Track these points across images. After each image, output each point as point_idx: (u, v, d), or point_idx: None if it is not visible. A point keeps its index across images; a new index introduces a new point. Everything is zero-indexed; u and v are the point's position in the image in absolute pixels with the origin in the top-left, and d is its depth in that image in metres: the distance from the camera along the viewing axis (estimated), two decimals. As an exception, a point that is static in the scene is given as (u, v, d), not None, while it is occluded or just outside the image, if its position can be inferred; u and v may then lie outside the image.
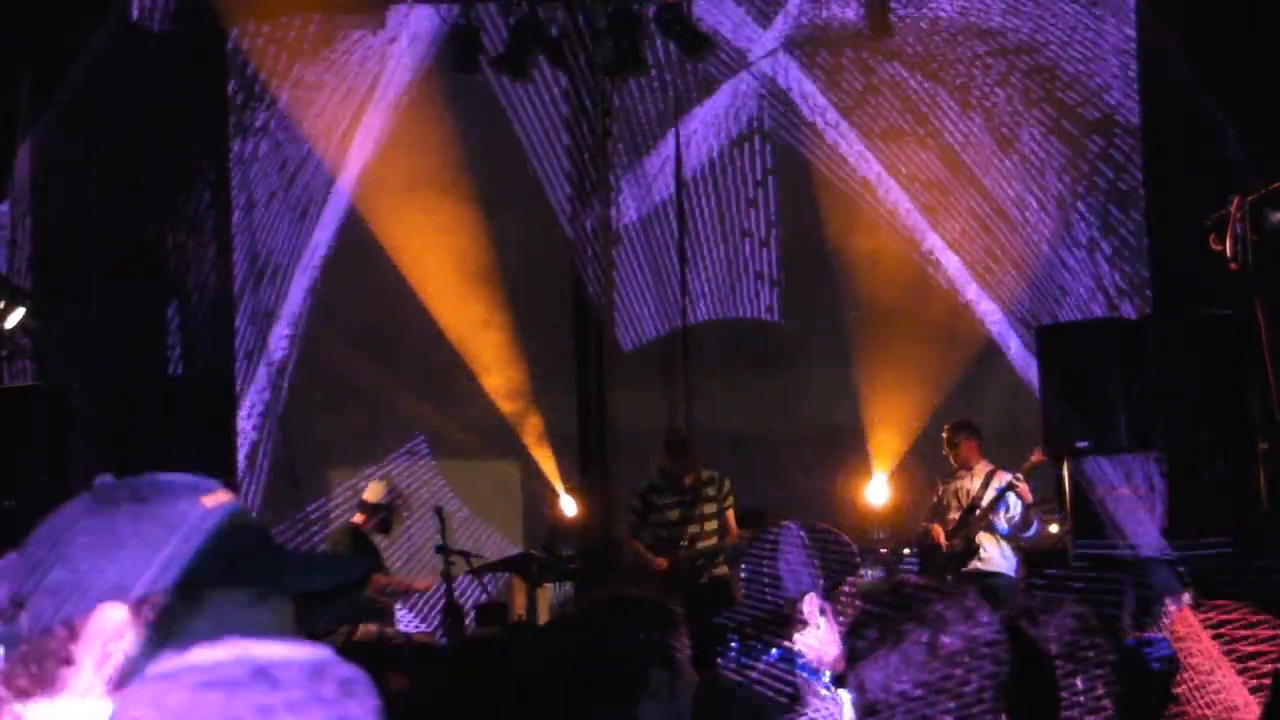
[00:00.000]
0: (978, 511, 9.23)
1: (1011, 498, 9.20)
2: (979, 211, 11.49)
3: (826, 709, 2.82)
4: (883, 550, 10.37)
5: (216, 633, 1.30)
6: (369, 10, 11.64)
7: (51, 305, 10.08)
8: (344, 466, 11.74)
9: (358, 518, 9.55)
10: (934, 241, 11.58)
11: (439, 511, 9.81)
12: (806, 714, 2.82)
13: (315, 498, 11.75)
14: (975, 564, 9.18)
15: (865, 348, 11.56)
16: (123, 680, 1.33)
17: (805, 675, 3.08)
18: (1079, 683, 2.53)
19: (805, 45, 11.71)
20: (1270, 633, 3.01)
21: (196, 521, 1.41)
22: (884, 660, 2.18)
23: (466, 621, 9.91)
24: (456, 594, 9.59)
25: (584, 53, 11.53)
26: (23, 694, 1.35)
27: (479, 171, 11.84)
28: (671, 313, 11.89)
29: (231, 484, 11.08)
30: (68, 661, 1.35)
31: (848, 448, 11.46)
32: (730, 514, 9.31)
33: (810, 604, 3.27)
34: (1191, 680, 3.01)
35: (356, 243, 11.81)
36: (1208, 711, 2.96)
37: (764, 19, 11.76)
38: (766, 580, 3.42)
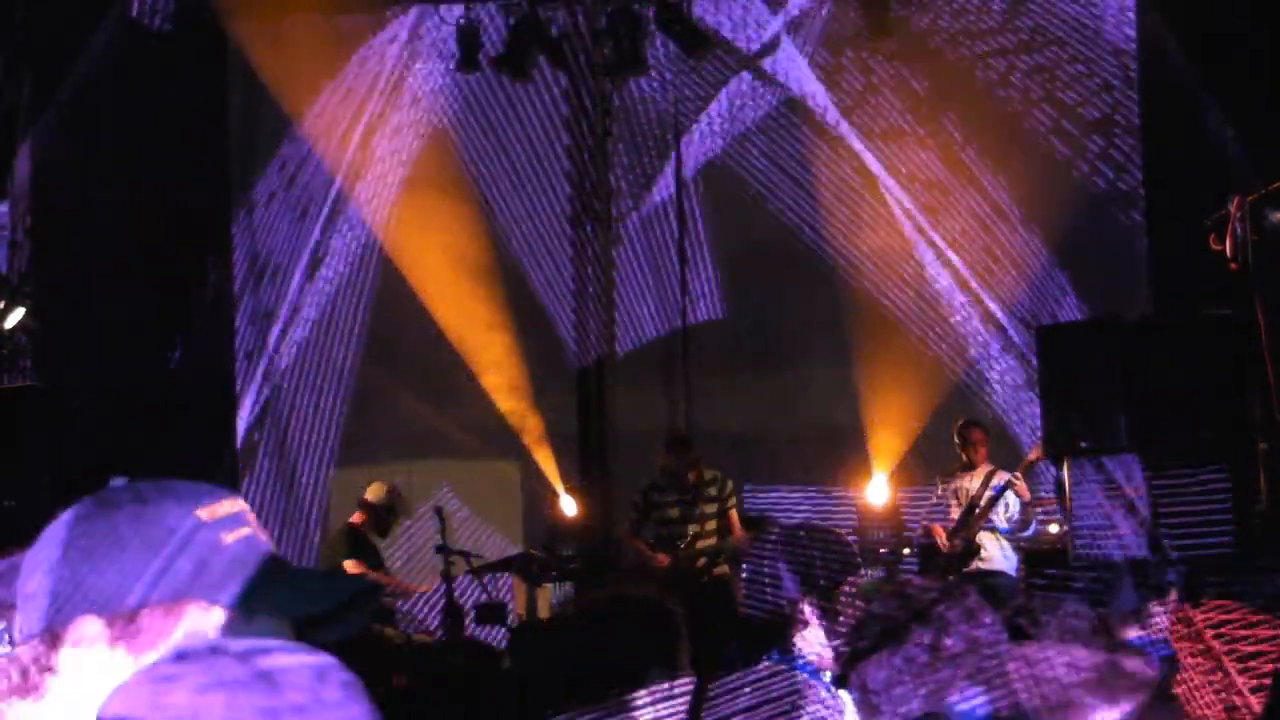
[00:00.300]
0: (977, 511, 9.23)
1: (1010, 496, 9.20)
2: (979, 211, 11.49)
3: (828, 710, 2.82)
4: (883, 550, 10.37)
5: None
6: (369, 10, 11.64)
7: (51, 305, 10.08)
8: (343, 466, 11.73)
9: (356, 518, 9.55)
10: (934, 241, 11.58)
11: (439, 511, 9.81)
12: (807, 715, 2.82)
13: (315, 498, 11.75)
14: (976, 563, 9.17)
15: (865, 348, 11.55)
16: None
17: (805, 676, 3.08)
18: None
19: (806, 45, 11.71)
20: (1270, 633, 3.01)
21: (187, 536, 1.39)
22: (886, 661, 2.18)
23: (466, 621, 9.91)
24: (456, 594, 9.59)
25: (584, 53, 11.53)
26: (6, 694, 1.35)
27: (479, 171, 11.84)
28: (671, 313, 11.89)
29: (231, 484, 11.13)
30: (49, 669, 1.35)
31: (848, 448, 11.46)
32: (733, 514, 9.31)
33: (811, 604, 3.27)
34: (1191, 680, 3.01)
35: (356, 242, 11.81)
36: (1207, 712, 2.96)
37: (764, 19, 11.76)
38: (767, 580, 3.42)
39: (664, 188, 11.98)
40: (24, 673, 1.35)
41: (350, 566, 9.17)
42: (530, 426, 11.78)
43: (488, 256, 11.78)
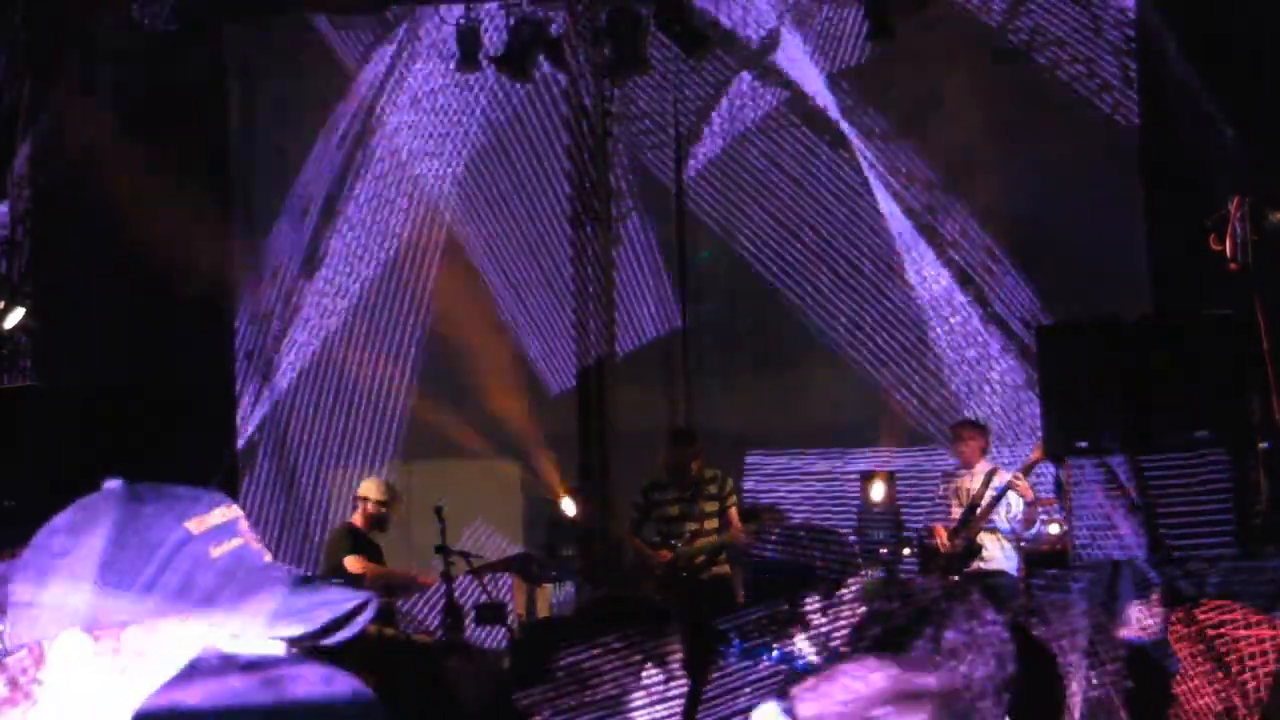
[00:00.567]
0: (978, 511, 9.22)
1: (1012, 496, 9.20)
2: (979, 211, 11.49)
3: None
4: (883, 550, 10.37)
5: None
6: (369, 10, 11.64)
7: (51, 305, 10.08)
8: (343, 466, 11.74)
9: (355, 517, 9.55)
10: (934, 241, 11.58)
11: (439, 511, 9.80)
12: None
13: (315, 498, 11.75)
14: (977, 563, 9.17)
15: (865, 348, 11.56)
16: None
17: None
18: (1091, 682, 2.53)
19: (806, 45, 11.71)
20: (1270, 633, 3.01)
21: (174, 550, 1.37)
22: (888, 661, 2.17)
23: (466, 621, 9.90)
24: (456, 594, 9.58)
25: (584, 53, 11.53)
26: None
27: (479, 171, 11.84)
28: (671, 313, 11.89)
29: (231, 484, 11.13)
30: (37, 681, 1.35)
31: (848, 448, 11.46)
32: (733, 512, 9.31)
33: (811, 604, 3.27)
34: (1191, 680, 3.01)
35: (356, 243, 11.81)
36: (1208, 712, 2.96)
37: (765, 19, 11.76)
38: (768, 580, 3.43)
39: (664, 187, 11.98)
40: (13, 683, 1.35)
41: (351, 563, 9.16)
42: (530, 426, 11.78)
43: (488, 256, 11.78)
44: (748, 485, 11.03)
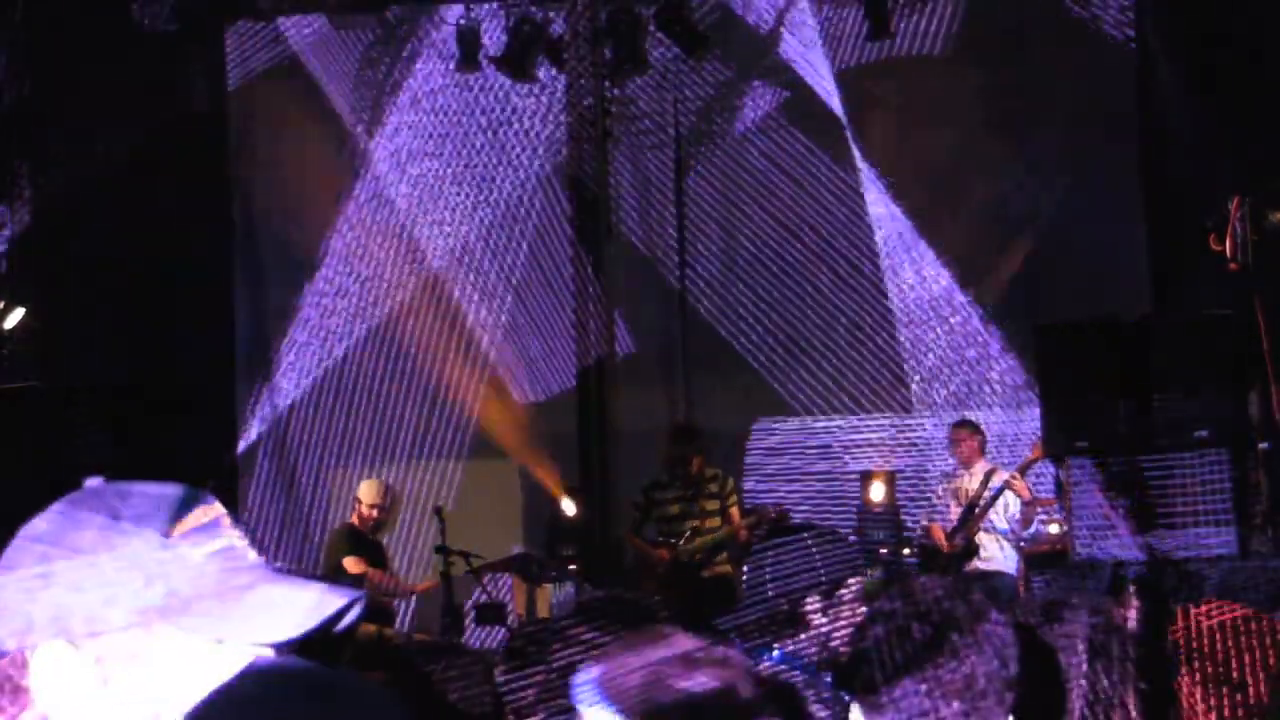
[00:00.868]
0: (976, 510, 9.23)
1: (1010, 496, 9.20)
2: (979, 211, 11.49)
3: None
4: (883, 550, 10.37)
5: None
6: (369, 10, 11.64)
7: (51, 305, 10.08)
8: (343, 466, 11.73)
9: (355, 518, 9.56)
10: (934, 241, 11.58)
11: (439, 511, 9.81)
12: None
13: (315, 498, 11.75)
14: (975, 563, 9.17)
15: (866, 347, 11.56)
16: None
17: (807, 676, 3.08)
18: (1103, 681, 2.52)
19: (806, 45, 11.71)
20: (1270, 633, 3.01)
21: (156, 554, 1.34)
22: (889, 661, 2.18)
23: (466, 622, 9.91)
24: (456, 594, 9.58)
25: (584, 53, 11.53)
26: None
27: (479, 171, 11.84)
28: (671, 313, 11.90)
29: (231, 484, 11.13)
30: (20, 689, 1.33)
31: (848, 448, 11.45)
32: (734, 511, 9.31)
33: (813, 604, 3.27)
34: (1191, 680, 3.01)
35: (356, 242, 11.81)
36: (1208, 713, 2.96)
37: (765, 19, 11.76)
38: (769, 580, 3.42)
39: (664, 187, 11.98)
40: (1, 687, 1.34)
41: (350, 564, 9.17)
42: (530, 426, 11.78)
43: (488, 256, 11.78)
44: (748, 485, 11.03)
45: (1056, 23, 11.19)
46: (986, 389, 11.40)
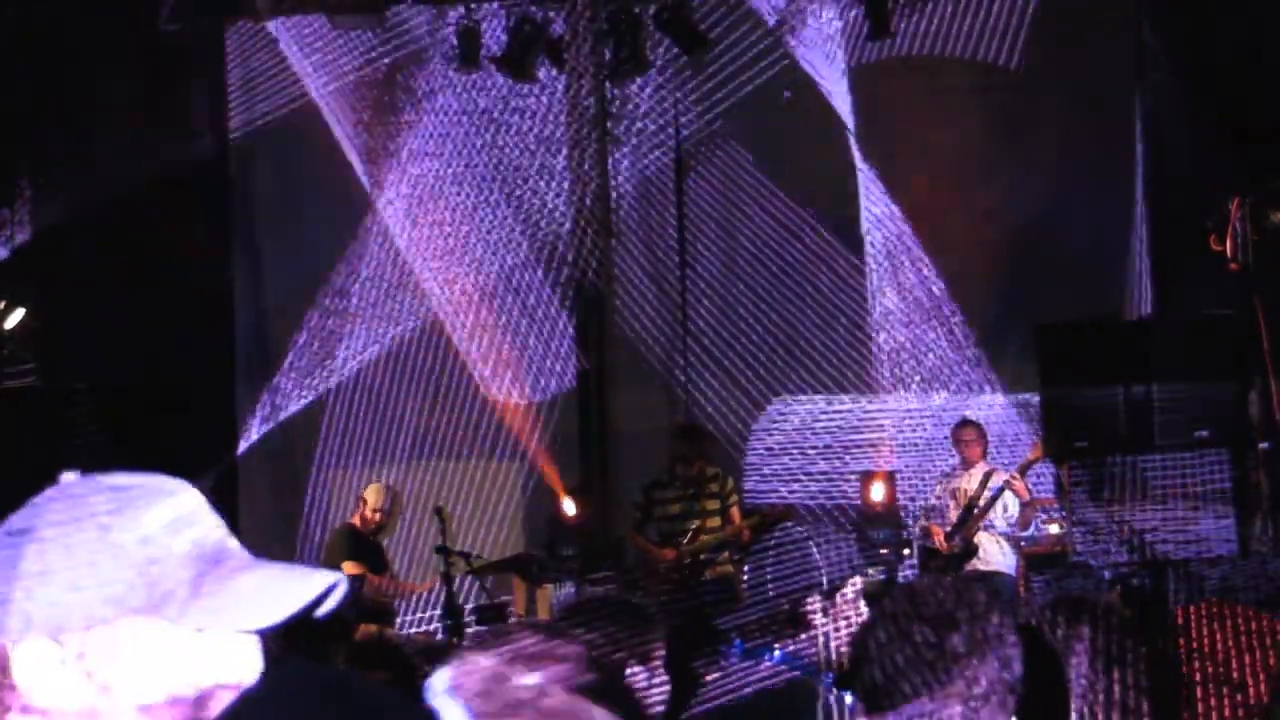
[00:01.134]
0: (975, 511, 9.22)
1: (1009, 496, 9.19)
2: (979, 211, 11.49)
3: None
4: (883, 551, 10.37)
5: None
6: (369, 10, 11.64)
7: (51, 305, 10.08)
8: (343, 466, 11.73)
9: (355, 519, 9.56)
10: (934, 241, 11.58)
11: (439, 511, 9.80)
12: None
13: (315, 498, 11.75)
14: (974, 563, 9.16)
15: (865, 347, 11.56)
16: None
17: (807, 676, 3.09)
18: (1111, 680, 2.52)
19: (806, 46, 11.71)
20: (1270, 633, 3.01)
21: (135, 547, 1.33)
22: (889, 660, 2.18)
23: (466, 621, 9.90)
24: (456, 594, 9.58)
25: (584, 53, 11.53)
26: None
27: (479, 170, 11.84)
28: (671, 313, 11.90)
29: (231, 483, 11.13)
30: (6, 685, 1.33)
31: (848, 448, 11.46)
32: (735, 511, 9.31)
33: (813, 604, 3.28)
34: (1191, 680, 3.01)
35: (356, 241, 11.82)
36: (1209, 712, 2.96)
37: (766, 19, 11.76)
38: (769, 580, 3.43)
39: (664, 187, 11.98)
40: None
41: (349, 569, 9.16)
42: (530, 427, 11.78)
43: (488, 256, 11.78)
44: (748, 485, 11.03)
45: (1056, 22, 11.19)
46: (986, 389, 11.40)
